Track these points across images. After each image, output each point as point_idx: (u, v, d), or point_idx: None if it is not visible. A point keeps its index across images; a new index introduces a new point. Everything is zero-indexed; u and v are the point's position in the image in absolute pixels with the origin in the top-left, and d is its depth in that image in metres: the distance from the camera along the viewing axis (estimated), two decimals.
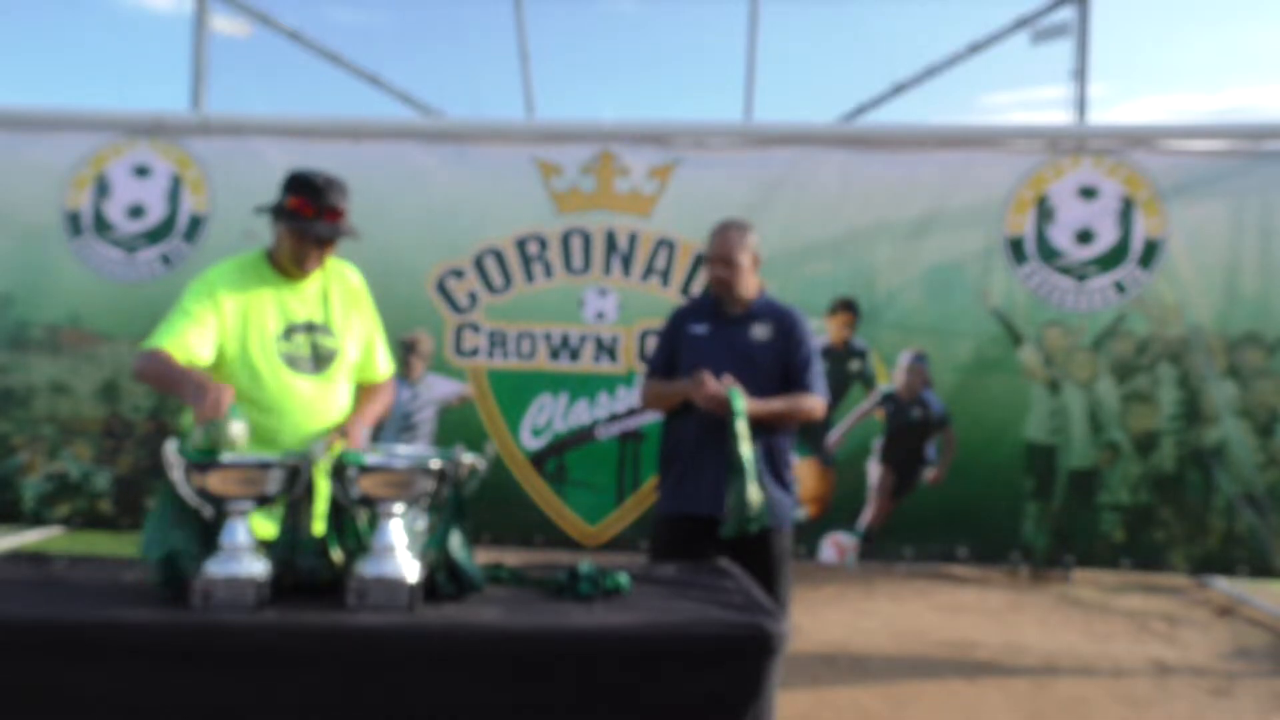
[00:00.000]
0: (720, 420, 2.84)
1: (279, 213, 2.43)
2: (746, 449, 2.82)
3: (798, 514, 4.73)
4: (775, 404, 2.94)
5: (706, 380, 2.86)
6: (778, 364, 3.00)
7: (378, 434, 4.71)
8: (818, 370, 3.06)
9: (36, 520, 5.06)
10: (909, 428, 4.80)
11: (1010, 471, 4.74)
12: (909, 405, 4.79)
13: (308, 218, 2.40)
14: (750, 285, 3.06)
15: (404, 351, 4.71)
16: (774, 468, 3.02)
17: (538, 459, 4.86)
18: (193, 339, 2.33)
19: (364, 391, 2.65)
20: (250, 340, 2.40)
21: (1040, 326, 4.73)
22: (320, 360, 2.49)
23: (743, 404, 2.83)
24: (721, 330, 3.04)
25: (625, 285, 4.83)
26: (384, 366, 2.70)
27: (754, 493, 2.82)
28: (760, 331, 3.02)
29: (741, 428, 2.82)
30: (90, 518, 4.97)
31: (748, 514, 2.80)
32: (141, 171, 5.01)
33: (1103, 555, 4.73)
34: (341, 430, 2.46)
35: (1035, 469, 4.73)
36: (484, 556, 2.01)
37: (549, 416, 4.84)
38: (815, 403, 3.03)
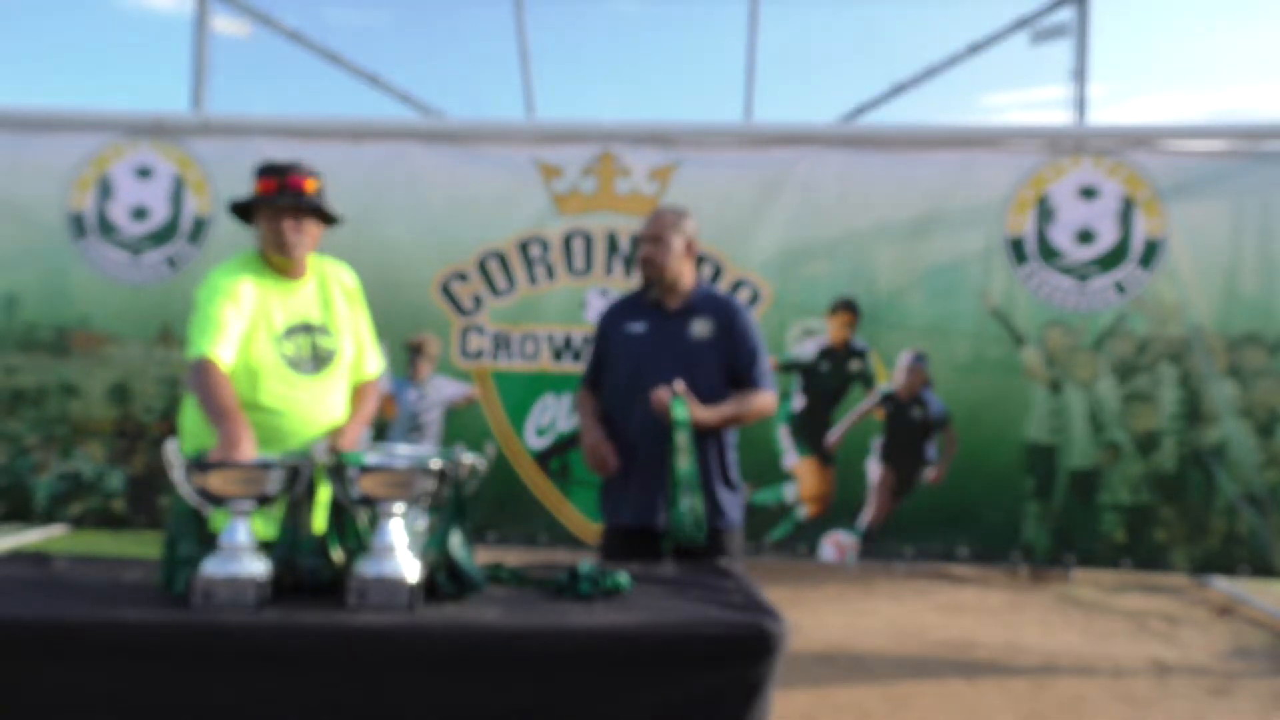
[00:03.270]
0: (659, 429, 2.73)
1: (250, 206, 2.46)
2: (685, 462, 2.70)
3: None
4: (726, 410, 2.81)
5: (601, 452, 2.84)
6: (721, 361, 2.86)
7: (383, 434, 4.75)
8: (765, 364, 2.92)
9: (49, 519, 5.08)
10: (909, 427, 4.80)
11: (1011, 471, 4.73)
12: (908, 405, 4.80)
13: (272, 193, 2.43)
14: (684, 273, 2.92)
15: (411, 354, 4.75)
16: (722, 468, 2.90)
17: (542, 458, 4.90)
18: (228, 336, 2.34)
19: (355, 392, 2.66)
20: (254, 341, 2.41)
21: (1041, 327, 4.73)
22: (320, 360, 2.51)
23: (686, 414, 2.71)
24: (660, 327, 2.89)
25: (627, 286, 4.84)
26: (372, 365, 2.72)
27: (693, 508, 2.71)
28: (701, 327, 2.87)
29: (682, 440, 2.70)
30: (103, 517, 4.99)
31: (685, 529, 2.70)
32: (144, 173, 5.02)
33: (1104, 555, 4.73)
34: (338, 434, 2.47)
35: (1036, 469, 4.73)
36: (488, 555, 2.02)
37: (552, 416, 4.87)
38: (766, 400, 2.90)
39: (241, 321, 2.38)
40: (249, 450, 2.06)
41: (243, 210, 2.53)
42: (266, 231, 2.47)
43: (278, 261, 2.50)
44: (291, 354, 2.46)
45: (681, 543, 2.71)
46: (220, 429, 2.12)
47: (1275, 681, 4.22)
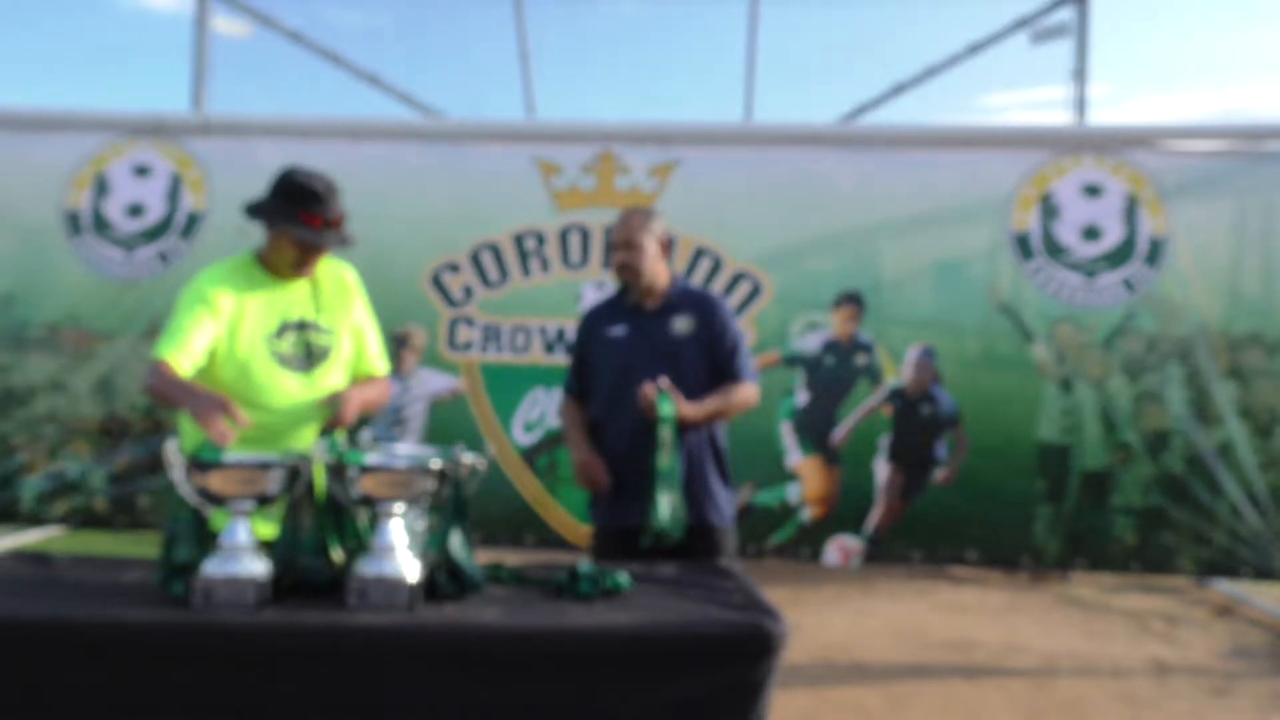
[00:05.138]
0: (648, 430, 2.71)
1: (278, 218, 2.43)
2: (666, 457, 2.69)
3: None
4: (710, 405, 2.81)
5: (591, 471, 2.82)
6: (703, 356, 2.87)
7: (361, 424, 4.71)
8: (746, 355, 2.94)
9: (35, 520, 5.06)
10: (918, 425, 4.73)
11: (1023, 473, 4.69)
12: (917, 402, 4.74)
13: (315, 229, 2.40)
14: (659, 273, 2.92)
15: (396, 345, 4.70)
16: (717, 463, 2.91)
17: (530, 455, 4.83)
18: (192, 347, 2.32)
19: (359, 380, 2.65)
20: (243, 340, 2.40)
21: (1051, 323, 4.71)
22: (313, 358, 2.49)
23: (671, 410, 2.70)
24: (641, 328, 2.89)
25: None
26: (380, 364, 2.70)
27: (672, 503, 2.70)
28: (681, 324, 2.88)
29: (665, 435, 2.69)
30: (87, 516, 4.97)
31: (662, 524, 2.68)
32: (142, 171, 5.02)
33: (1114, 559, 4.69)
34: (334, 400, 2.43)
35: (1048, 470, 4.69)
36: (479, 556, 2.01)
37: (542, 411, 4.81)
38: (749, 392, 2.90)
39: (217, 327, 2.36)
40: (228, 402, 2.05)
41: (256, 209, 2.50)
42: (292, 253, 2.44)
43: (283, 270, 2.49)
44: (284, 351, 2.45)
45: (660, 539, 2.69)
46: (191, 402, 2.11)
47: (1275, 681, 4.21)
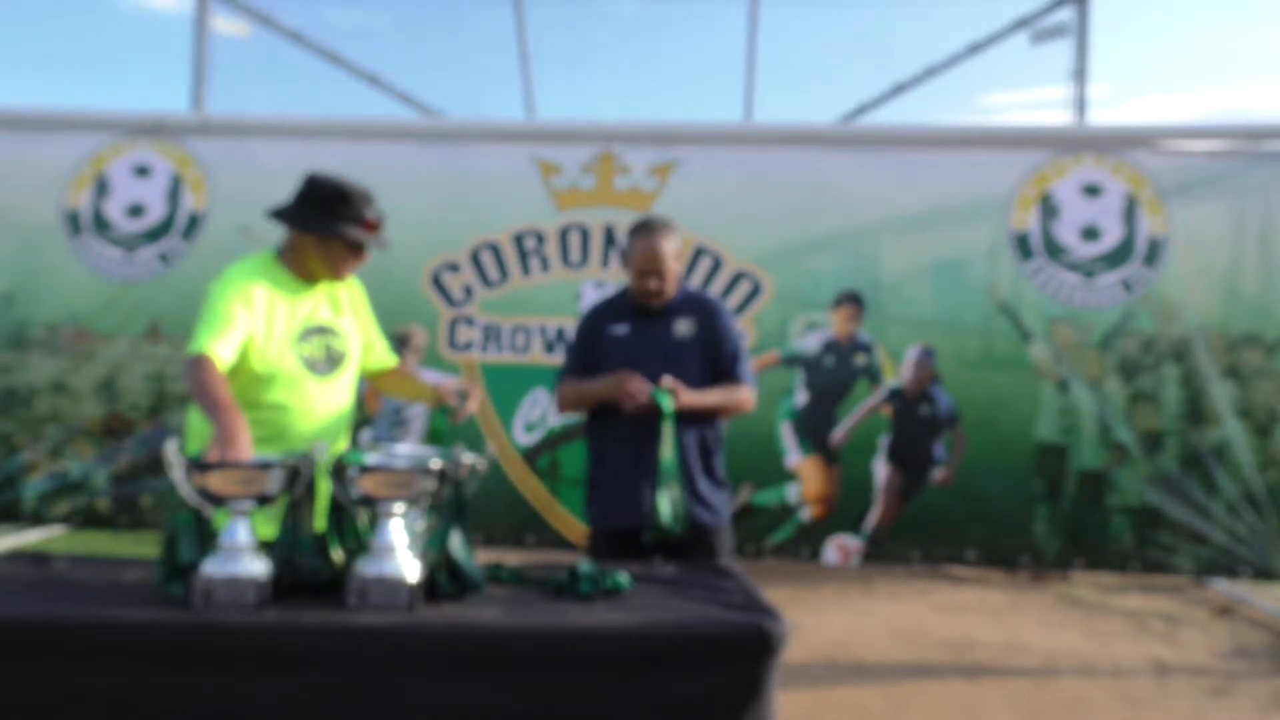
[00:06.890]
0: (644, 427, 2.73)
1: (334, 222, 2.43)
2: (668, 452, 2.71)
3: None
4: (712, 396, 2.82)
5: (628, 378, 2.74)
6: (705, 359, 2.88)
7: (361, 425, 4.72)
8: (745, 360, 2.95)
9: (37, 520, 5.06)
10: (917, 425, 4.74)
11: (1021, 472, 4.70)
12: (916, 402, 4.75)
13: (374, 233, 2.48)
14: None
15: (397, 345, 4.69)
16: (707, 461, 2.90)
17: (530, 455, 4.83)
18: (232, 337, 2.32)
19: (388, 375, 2.75)
20: (272, 342, 2.42)
21: (1050, 323, 4.72)
22: (333, 362, 2.53)
23: (670, 404, 2.71)
24: (643, 329, 2.91)
25: (624, 278, 4.83)
26: (389, 357, 2.78)
27: (673, 499, 2.71)
28: (684, 327, 2.89)
29: (667, 431, 2.70)
30: (88, 516, 4.97)
31: (666, 520, 2.69)
32: (142, 171, 5.02)
33: (1112, 558, 4.71)
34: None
35: (1046, 470, 4.70)
36: (479, 556, 2.02)
37: (542, 411, 4.81)
38: (747, 394, 2.92)
39: (251, 322, 2.36)
40: (245, 443, 2.03)
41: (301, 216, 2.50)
42: (332, 255, 2.47)
43: (315, 272, 2.50)
44: (309, 355, 2.48)
45: (662, 534, 2.71)
46: (216, 422, 2.09)
47: (1275, 681, 4.21)
